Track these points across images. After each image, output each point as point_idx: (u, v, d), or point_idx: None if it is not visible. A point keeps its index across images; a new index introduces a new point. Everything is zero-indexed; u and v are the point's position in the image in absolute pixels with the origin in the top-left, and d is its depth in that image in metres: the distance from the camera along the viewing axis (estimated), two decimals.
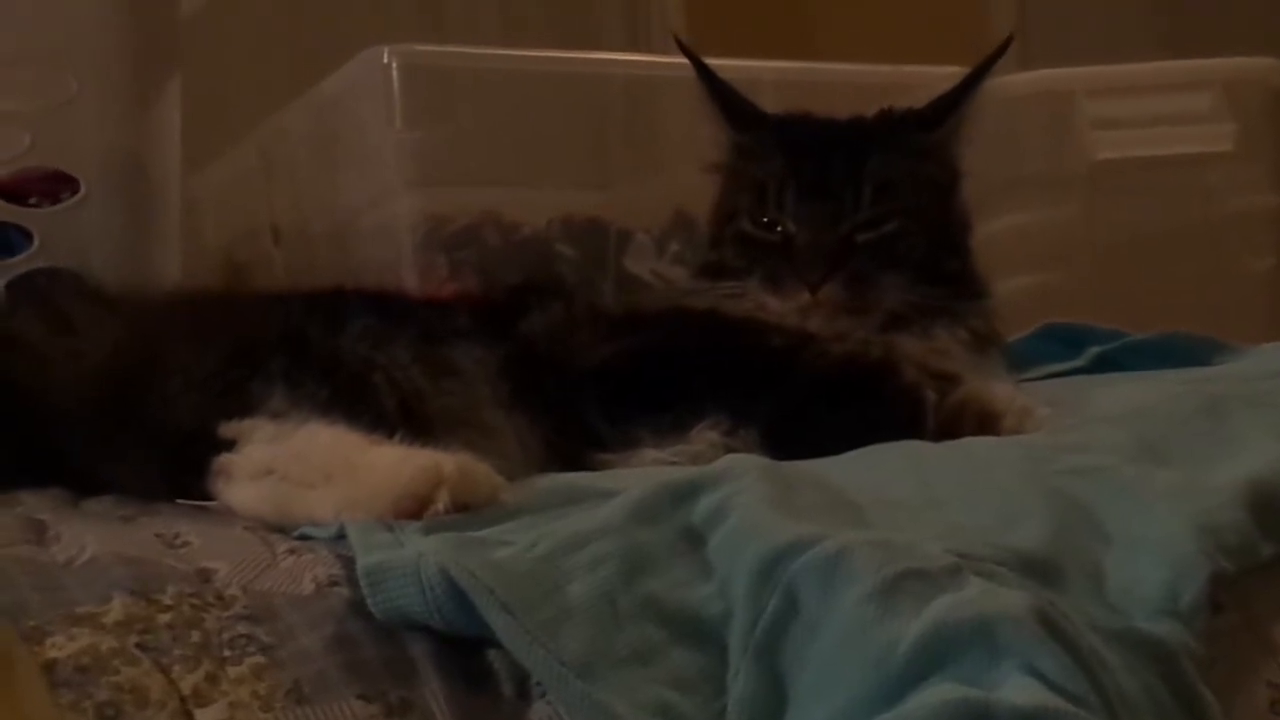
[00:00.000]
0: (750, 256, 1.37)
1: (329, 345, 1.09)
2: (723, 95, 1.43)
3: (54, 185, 1.52)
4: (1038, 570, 0.89)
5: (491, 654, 0.82)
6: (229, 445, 1.00)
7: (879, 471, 1.05)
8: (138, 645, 0.79)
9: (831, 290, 1.31)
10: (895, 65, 1.79)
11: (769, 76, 1.65)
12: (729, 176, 1.45)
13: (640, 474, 1.04)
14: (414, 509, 0.91)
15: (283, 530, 0.93)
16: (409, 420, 1.03)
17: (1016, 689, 0.77)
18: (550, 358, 1.22)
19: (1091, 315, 1.69)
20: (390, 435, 0.98)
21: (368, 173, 1.61)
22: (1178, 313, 1.69)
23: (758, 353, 1.24)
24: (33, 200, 1.52)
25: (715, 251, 1.42)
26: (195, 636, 0.80)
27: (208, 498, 1.00)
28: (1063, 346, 1.53)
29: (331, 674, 0.79)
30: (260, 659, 0.79)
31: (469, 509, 0.92)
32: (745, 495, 0.91)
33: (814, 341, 1.25)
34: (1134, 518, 0.96)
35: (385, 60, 1.56)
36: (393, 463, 0.94)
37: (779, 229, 1.36)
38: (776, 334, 1.27)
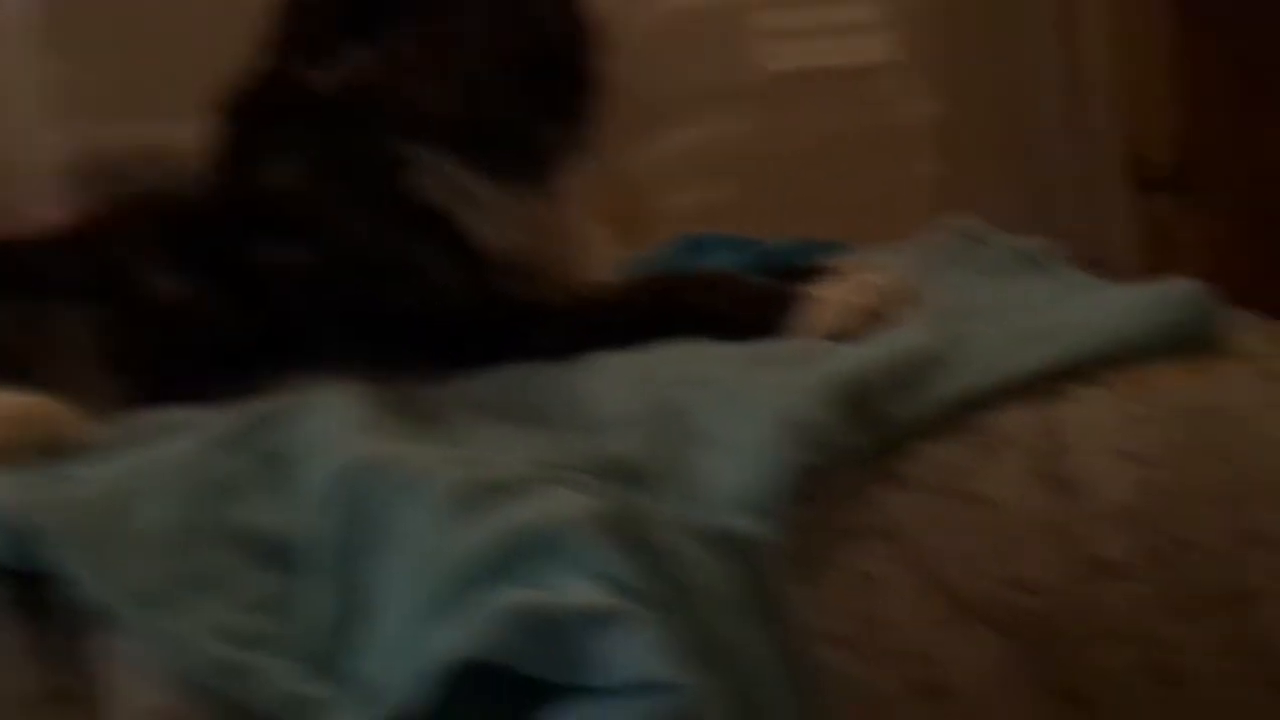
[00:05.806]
0: None
1: None
2: None
3: None
4: (629, 476, 0.92)
5: (58, 588, 0.81)
6: None
7: (491, 386, 1.06)
8: None
9: None
10: None
11: None
12: None
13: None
14: None
15: None
16: None
17: (577, 590, 0.79)
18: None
19: (765, 227, 1.71)
20: None
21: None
22: (847, 221, 1.72)
23: None
24: None
25: None
26: None
27: None
28: (696, 257, 1.53)
29: None
30: None
31: (52, 453, 0.91)
32: (330, 420, 0.91)
33: None
34: (727, 420, 0.98)
35: None
36: None
37: None
38: None
